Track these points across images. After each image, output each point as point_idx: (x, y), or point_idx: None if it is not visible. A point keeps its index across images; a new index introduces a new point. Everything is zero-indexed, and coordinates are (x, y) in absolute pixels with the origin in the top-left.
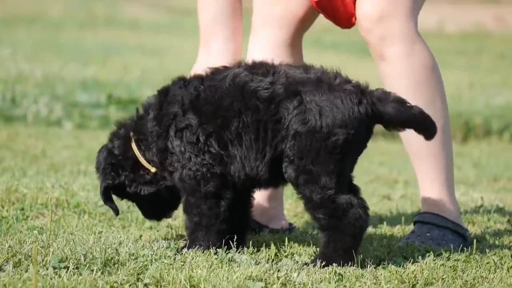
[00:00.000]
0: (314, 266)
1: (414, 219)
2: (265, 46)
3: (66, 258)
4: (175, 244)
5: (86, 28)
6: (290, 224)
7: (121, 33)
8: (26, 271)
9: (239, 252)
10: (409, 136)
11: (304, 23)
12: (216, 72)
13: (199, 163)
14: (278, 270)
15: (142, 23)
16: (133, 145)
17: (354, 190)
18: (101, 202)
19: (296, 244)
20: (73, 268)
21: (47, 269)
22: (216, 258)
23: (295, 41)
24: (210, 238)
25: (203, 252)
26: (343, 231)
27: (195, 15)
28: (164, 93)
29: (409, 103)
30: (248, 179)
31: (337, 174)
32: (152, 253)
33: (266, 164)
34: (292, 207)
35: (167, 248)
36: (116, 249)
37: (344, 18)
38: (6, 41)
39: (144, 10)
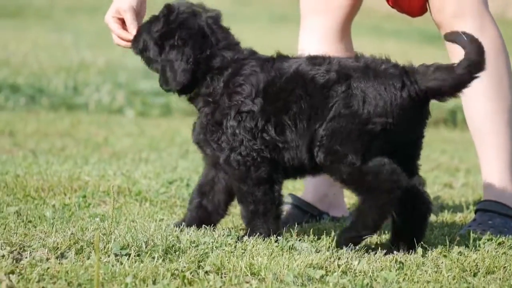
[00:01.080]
0: (345, 222)
1: (476, 207)
2: (316, 33)
3: (128, 245)
4: (235, 231)
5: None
6: (351, 213)
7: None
8: (88, 258)
9: (299, 240)
10: (474, 112)
11: (352, 8)
12: (284, 58)
13: (250, 147)
14: (339, 258)
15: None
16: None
17: (418, 180)
18: (163, 190)
19: None
20: (134, 255)
21: (108, 256)
22: (276, 246)
23: (345, 27)
24: (269, 225)
25: (264, 239)
26: (380, 188)
27: (256, 4)
28: (254, 65)
29: (453, 64)
30: (299, 166)
31: (365, 151)
32: (213, 240)
33: (308, 151)
34: (353, 195)
35: (227, 235)
36: (177, 237)
37: (418, 7)
38: (68, 29)
39: None
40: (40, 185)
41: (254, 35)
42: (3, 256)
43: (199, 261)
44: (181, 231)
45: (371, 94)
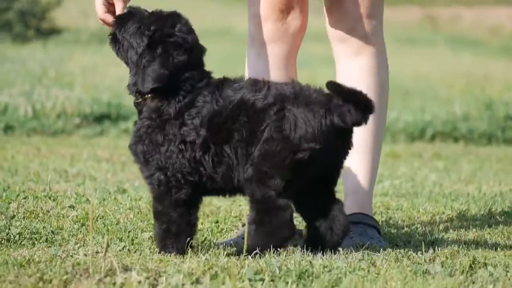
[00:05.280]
0: (238, 258)
1: None
2: (268, 60)
3: (261, 270)
4: (368, 255)
5: None
6: None
7: (309, 44)
8: (223, 283)
9: (432, 264)
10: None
11: (301, 38)
12: (230, 83)
13: (179, 169)
14: (473, 282)
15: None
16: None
17: (336, 205)
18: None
19: (490, 255)
20: (268, 281)
21: (243, 281)
22: (410, 270)
23: (294, 55)
24: (179, 245)
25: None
26: (271, 230)
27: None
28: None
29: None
30: (231, 190)
31: (290, 181)
32: (346, 265)
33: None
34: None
35: (360, 260)
36: (310, 262)
37: None
38: None
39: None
40: None
41: None
42: (140, 282)
43: (332, 286)
44: (313, 255)
45: (301, 119)
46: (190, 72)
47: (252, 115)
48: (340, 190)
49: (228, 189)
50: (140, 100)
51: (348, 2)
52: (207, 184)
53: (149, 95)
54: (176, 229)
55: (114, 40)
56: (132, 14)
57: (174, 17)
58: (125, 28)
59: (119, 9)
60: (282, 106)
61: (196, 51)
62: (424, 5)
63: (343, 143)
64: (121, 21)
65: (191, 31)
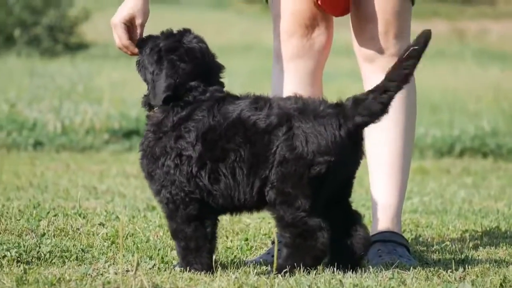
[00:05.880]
0: (268, 277)
1: (373, 238)
2: (296, 76)
3: None
4: (399, 274)
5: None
6: None
7: (336, 59)
8: None
9: (461, 282)
10: (371, 140)
11: (327, 55)
12: (232, 99)
13: (180, 188)
14: None
15: (352, 48)
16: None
17: (354, 217)
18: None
19: None
20: None
21: None
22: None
23: (320, 72)
24: (202, 260)
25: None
26: (306, 252)
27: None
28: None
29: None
30: (234, 209)
31: (314, 197)
32: (376, 283)
33: (255, 195)
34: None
35: (390, 279)
36: (340, 280)
37: (341, 7)
38: None
39: None
40: None
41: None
42: None
43: None
44: (343, 274)
45: (312, 133)
46: (194, 82)
47: (253, 136)
48: (368, 207)
49: (231, 207)
50: (150, 113)
51: (377, 25)
52: (209, 201)
53: (155, 108)
54: (194, 245)
55: (139, 63)
56: (151, 36)
57: (182, 32)
58: (145, 49)
59: (137, 35)
60: (290, 126)
61: (204, 62)
62: (452, 19)
63: (356, 153)
64: (142, 44)
65: (199, 42)
